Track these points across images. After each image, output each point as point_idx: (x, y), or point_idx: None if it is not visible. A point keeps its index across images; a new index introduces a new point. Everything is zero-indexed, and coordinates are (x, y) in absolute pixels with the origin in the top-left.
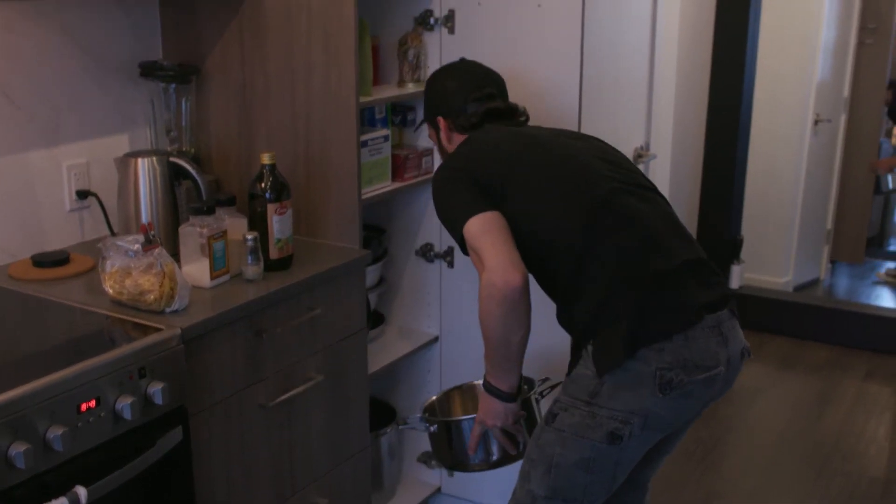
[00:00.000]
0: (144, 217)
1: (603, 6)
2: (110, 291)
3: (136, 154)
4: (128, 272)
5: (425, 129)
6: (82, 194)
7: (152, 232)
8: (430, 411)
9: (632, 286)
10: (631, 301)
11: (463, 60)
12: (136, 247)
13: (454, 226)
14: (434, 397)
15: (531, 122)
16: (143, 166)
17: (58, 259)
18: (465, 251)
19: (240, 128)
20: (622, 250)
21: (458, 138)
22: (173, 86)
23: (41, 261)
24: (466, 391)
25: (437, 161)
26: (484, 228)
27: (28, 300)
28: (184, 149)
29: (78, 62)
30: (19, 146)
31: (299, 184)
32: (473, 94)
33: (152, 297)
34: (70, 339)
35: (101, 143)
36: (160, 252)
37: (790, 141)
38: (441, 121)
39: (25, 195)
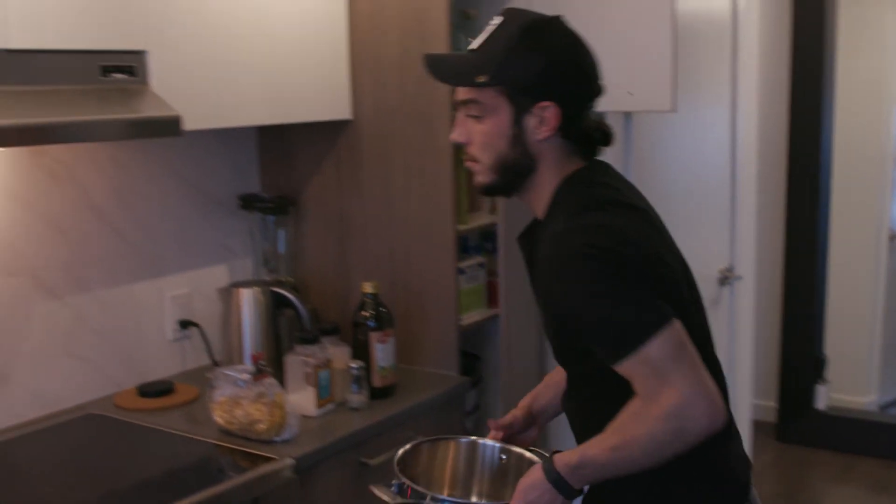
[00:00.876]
0: (248, 346)
1: (683, 122)
2: (219, 421)
3: (239, 284)
4: (237, 402)
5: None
6: (185, 324)
7: (262, 362)
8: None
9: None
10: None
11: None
12: (246, 376)
13: (623, 342)
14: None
15: None
16: (247, 296)
17: (163, 389)
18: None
19: (337, 257)
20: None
21: (553, 156)
22: (272, 217)
23: (147, 390)
24: (437, 450)
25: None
26: (678, 344)
27: (135, 430)
28: (282, 278)
29: (182, 196)
30: (126, 278)
31: (398, 312)
32: (598, 91)
33: (263, 426)
34: (179, 469)
35: (202, 274)
36: (270, 382)
37: (867, 255)
38: (553, 110)
39: (131, 326)
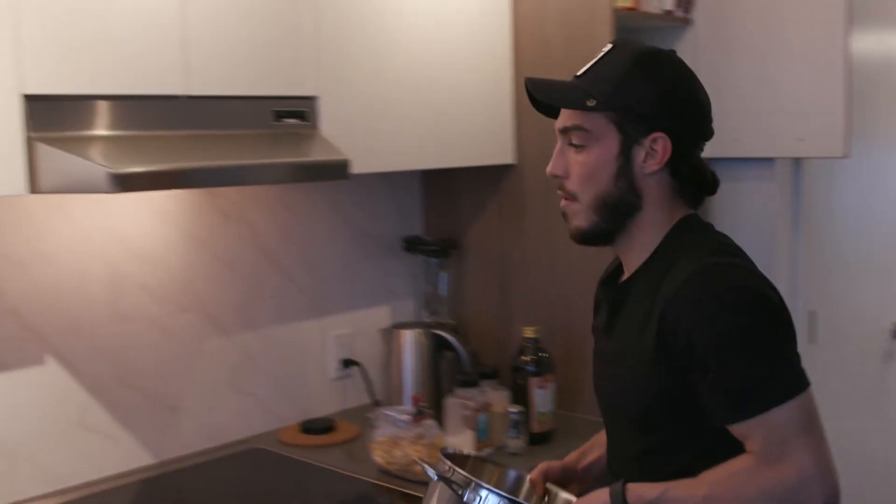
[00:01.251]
0: (408, 387)
1: (855, 168)
2: (379, 460)
3: (401, 325)
4: (396, 442)
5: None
6: (347, 363)
7: (422, 403)
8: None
9: None
10: None
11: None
12: (406, 417)
13: (754, 400)
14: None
15: None
16: (409, 338)
17: (324, 426)
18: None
19: (498, 300)
20: None
21: (660, 194)
22: (434, 260)
23: (309, 427)
24: (483, 470)
25: None
26: (810, 413)
27: (297, 465)
28: (443, 320)
29: (347, 238)
30: (292, 317)
31: (558, 357)
32: (711, 131)
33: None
34: None
35: (365, 314)
36: (430, 423)
37: None
38: (665, 142)
39: (295, 363)
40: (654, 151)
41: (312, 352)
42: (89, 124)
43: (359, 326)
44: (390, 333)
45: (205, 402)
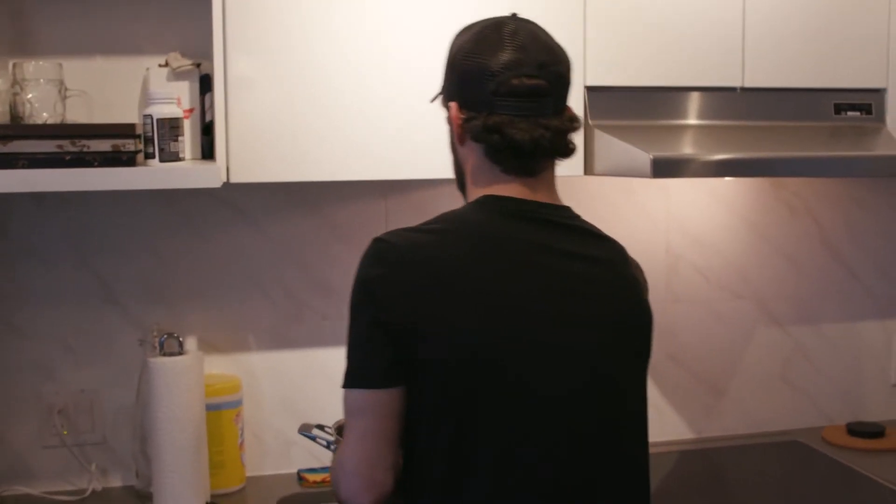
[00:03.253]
0: None
1: None
2: None
3: None
4: None
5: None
6: None
7: None
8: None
9: None
10: None
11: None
12: None
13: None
14: None
15: None
16: None
17: (875, 431)
18: None
19: None
20: None
21: (471, 164)
22: None
23: (857, 430)
24: None
25: None
26: (353, 409)
27: (838, 468)
28: None
29: None
30: (853, 316)
31: None
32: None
33: None
34: None
35: None
36: None
37: None
38: (454, 111)
39: (851, 363)
40: (450, 121)
41: (873, 354)
42: (643, 114)
43: None
44: None
45: (750, 389)
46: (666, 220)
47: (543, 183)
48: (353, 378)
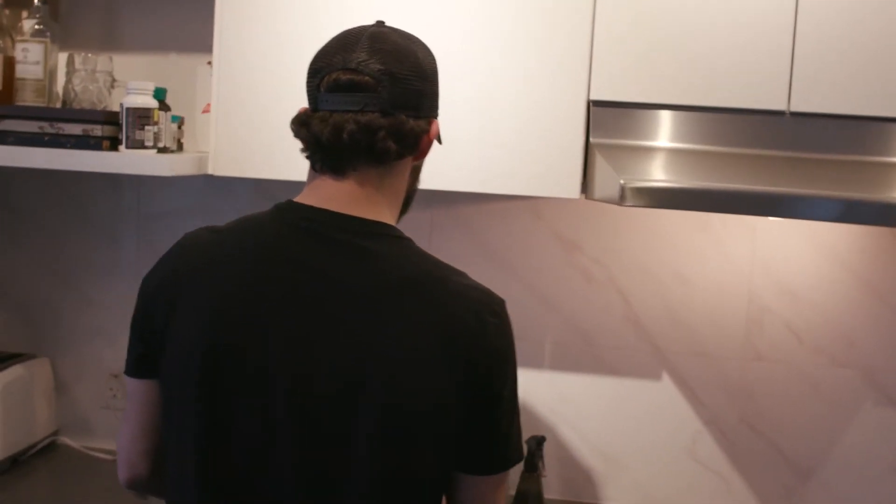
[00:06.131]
0: None
1: None
2: None
3: None
4: None
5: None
6: None
7: None
8: None
9: None
10: None
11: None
12: None
13: None
14: None
15: None
16: None
17: None
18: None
19: None
20: None
21: None
22: None
23: None
24: None
25: None
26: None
27: None
28: None
29: None
30: None
31: None
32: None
33: None
34: None
35: None
36: None
37: None
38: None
39: None
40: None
41: None
42: (653, 135)
43: None
44: None
45: (849, 477)
46: (750, 264)
47: (357, 187)
48: (125, 364)
